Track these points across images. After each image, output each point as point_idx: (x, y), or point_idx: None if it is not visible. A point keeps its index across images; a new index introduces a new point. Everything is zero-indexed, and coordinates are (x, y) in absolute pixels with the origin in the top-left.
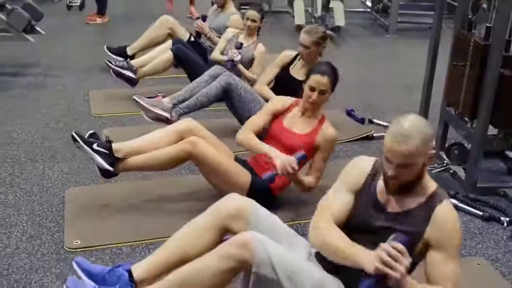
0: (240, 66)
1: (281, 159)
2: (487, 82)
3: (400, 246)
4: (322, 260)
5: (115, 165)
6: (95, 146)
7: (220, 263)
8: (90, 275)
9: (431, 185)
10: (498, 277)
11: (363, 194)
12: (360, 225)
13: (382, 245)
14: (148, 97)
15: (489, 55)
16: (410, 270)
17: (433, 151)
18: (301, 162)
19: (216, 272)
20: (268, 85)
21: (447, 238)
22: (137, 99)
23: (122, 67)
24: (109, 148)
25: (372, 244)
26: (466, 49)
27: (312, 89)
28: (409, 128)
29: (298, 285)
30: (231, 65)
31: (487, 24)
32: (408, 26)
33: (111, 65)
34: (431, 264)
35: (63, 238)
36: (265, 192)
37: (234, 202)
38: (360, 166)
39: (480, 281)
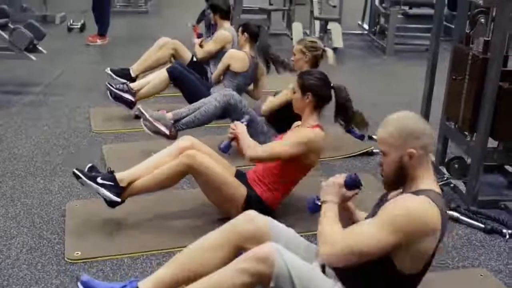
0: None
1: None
2: (486, 96)
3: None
4: (336, 270)
5: (120, 195)
6: (99, 180)
7: (238, 278)
8: None
9: (422, 186)
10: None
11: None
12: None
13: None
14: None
15: (487, 68)
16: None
17: (413, 150)
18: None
19: (234, 287)
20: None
21: (384, 208)
22: (142, 110)
23: (122, 90)
24: (113, 179)
25: None
26: (464, 63)
27: None
28: (393, 117)
29: None
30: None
31: (485, 38)
32: (404, 48)
33: (112, 88)
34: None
35: (63, 249)
36: (262, 207)
37: (252, 223)
38: None
39: None
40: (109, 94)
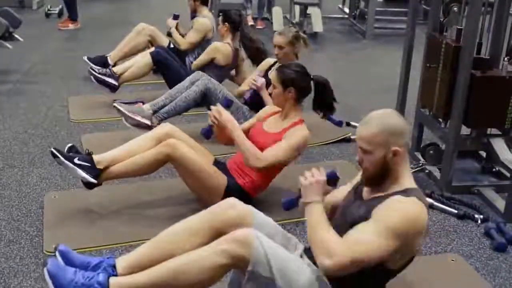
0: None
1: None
2: (458, 83)
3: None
4: (312, 257)
5: (98, 177)
6: (76, 160)
7: (217, 258)
8: (73, 265)
9: (407, 183)
10: (472, 272)
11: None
12: (340, 211)
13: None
14: (128, 103)
15: (460, 56)
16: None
17: (398, 148)
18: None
19: (209, 267)
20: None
21: (380, 213)
22: (118, 106)
23: (105, 74)
24: (91, 161)
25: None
26: (438, 51)
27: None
28: (374, 115)
29: (291, 283)
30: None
31: (458, 27)
32: (384, 32)
33: (94, 72)
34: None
35: (42, 242)
36: (241, 196)
37: (235, 209)
38: None
39: (455, 276)
40: (92, 78)
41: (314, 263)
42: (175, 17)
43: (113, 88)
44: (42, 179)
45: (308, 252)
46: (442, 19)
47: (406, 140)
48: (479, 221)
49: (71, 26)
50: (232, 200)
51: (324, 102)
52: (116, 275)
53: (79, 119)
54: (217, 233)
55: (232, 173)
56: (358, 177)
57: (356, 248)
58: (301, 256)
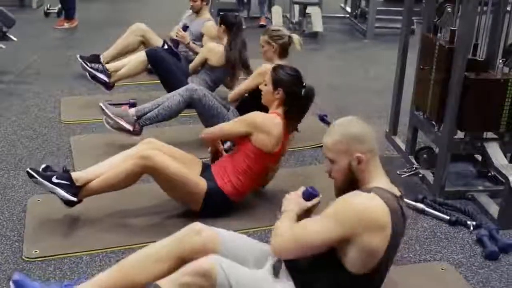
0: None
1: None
2: (452, 86)
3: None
4: (291, 271)
5: (77, 195)
6: (54, 179)
7: None
8: None
9: (374, 184)
10: (461, 282)
11: None
12: None
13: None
14: (114, 104)
15: (453, 58)
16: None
17: (361, 155)
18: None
19: None
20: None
21: (328, 207)
22: (103, 106)
23: (97, 70)
24: (69, 178)
25: None
26: (432, 52)
27: None
28: (336, 124)
29: None
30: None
31: (451, 28)
32: (385, 31)
33: (87, 67)
34: None
35: (22, 247)
36: (222, 200)
37: (201, 238)
38: None
39: (444, 286)
40: (87, 74)
41: (292, 277)
42: (185, 28)
43: (106, 86)
44: (27, 182)
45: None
46: (435, 20)
47: (371, 146)
48: (471, 228)
49: (66, 25)
50: (198, 226)
51: (299, 113)
52: None
53: (70, 120)
54: (183, 261)
55: (214, 175)
56: None
57: (300, 230)
58: (275, 268)
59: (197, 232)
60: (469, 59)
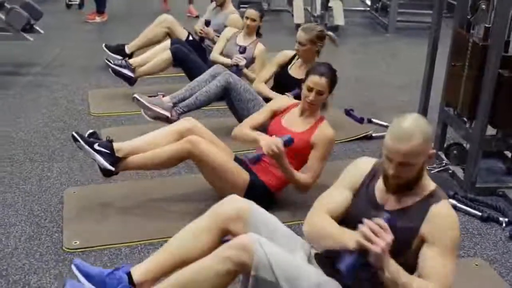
0: (245, 70)
1: (266, 140)
2: (485, 83)
3: (383, 222)
4: (321, 261)
5: (116, 164)
6: (96, 146)
7: (219, 266)
8: (89, 277)
9: (429, 184)
10: (496, 278)
11: (361, 193)
12: (357, 223)
13: (366, 220)
14: (149, 96)
15: (487, 55)
16: (411, 268)
17: (433, 150)
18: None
19: (216, 275)
20: (266, 83)
21: (441, 235)
22: (138, 97)
23: (120, 66)
24: (110, 148)
25: None
26: (464, 49)
27: (310, 89)
28: (411, 127)
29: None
30: (236, 70)
31: (485, 25)
32: (407, 25)
33: (110, 64)
34: (422, 258)
35: (61, 238)
36: (264, 192)
37: (233, 205)
38: (360, 166)
39: (478, 282)
40: (110, 69)
41: (321, 266)
42: (208, 23)
43: (129, 80)
44: (62, 173)
45: (316, 256)
46: (469, 17)
47: None
48: (503, 224)
49: (98, 19)
50: (234, 196)
51: None
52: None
53: (99, 113)
54: (221, 230)
55: (254, 170)
56: (356, 179)
57: (449, 280)
58: (309, 256)
59: (232, 201)
60: (502, 56)
